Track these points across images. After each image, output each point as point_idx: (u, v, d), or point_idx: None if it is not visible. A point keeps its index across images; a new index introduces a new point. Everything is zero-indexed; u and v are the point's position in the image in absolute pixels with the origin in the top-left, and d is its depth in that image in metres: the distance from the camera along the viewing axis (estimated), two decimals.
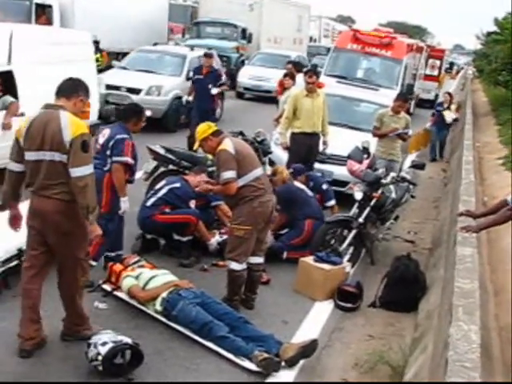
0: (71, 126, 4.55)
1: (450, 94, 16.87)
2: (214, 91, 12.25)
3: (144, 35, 22.40)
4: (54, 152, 4.56)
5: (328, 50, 38.41)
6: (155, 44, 17.72)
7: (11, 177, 4.87)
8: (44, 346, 4.98)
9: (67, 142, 4.51)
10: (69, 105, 4.70)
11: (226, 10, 27.04)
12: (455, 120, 16.22)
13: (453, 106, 16.19)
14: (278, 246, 7.40)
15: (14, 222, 5.02)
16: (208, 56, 12.56)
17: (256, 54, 25.21)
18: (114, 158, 6.09)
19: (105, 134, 6.29)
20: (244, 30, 27.05)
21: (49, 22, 18.11)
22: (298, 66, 12.94)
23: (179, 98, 14.05)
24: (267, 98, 20.96)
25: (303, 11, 35.25)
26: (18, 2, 17.86)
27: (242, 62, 26.12)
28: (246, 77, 23.07)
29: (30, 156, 4.66)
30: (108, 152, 6.12)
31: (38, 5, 18.00)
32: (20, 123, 4.87)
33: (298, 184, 7.98)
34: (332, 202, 8.56)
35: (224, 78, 12.30)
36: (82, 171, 4.53)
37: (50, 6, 18.36)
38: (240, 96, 23.20)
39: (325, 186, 8.60)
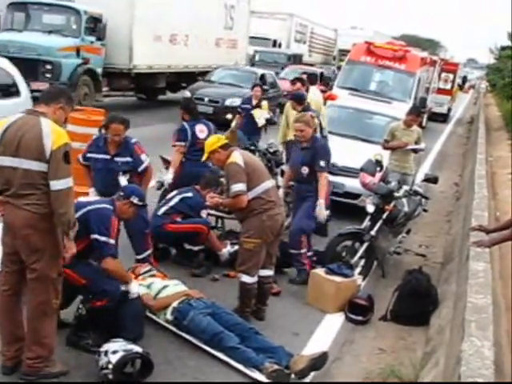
0: (53, 134, 4.21)
1: (257, 85, 12.10)
2: None
3: None
4: (31, 161, 4.21)
5: (289, 58, 29.52)
6: None
7: None
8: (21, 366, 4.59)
9: (48, 152, 4.18)
10: (49, 111, 4.36)
11: None
12: (269, 121, 11.62)
13: (264, 103, 11.70)
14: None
15: None
16: None
17: None
18: None
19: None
20: (95, 19, 16.41)
21: None
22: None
23: None
24: None
25: None
26: None
27: (91, 75, 16.01)
28: None
29: (2, 161, 4.29)
30: None
31: None
32: None
33: None
34: None
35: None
36: (63, 184, 4.22)
37: None
38: None
39: None
